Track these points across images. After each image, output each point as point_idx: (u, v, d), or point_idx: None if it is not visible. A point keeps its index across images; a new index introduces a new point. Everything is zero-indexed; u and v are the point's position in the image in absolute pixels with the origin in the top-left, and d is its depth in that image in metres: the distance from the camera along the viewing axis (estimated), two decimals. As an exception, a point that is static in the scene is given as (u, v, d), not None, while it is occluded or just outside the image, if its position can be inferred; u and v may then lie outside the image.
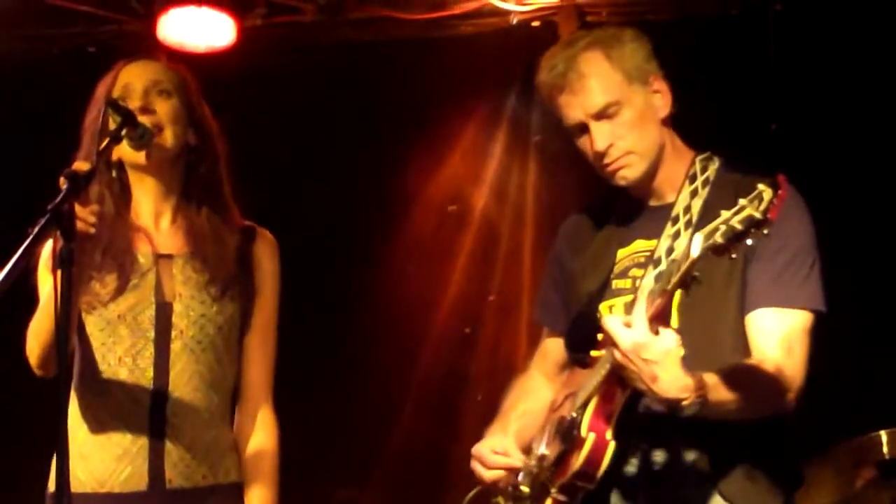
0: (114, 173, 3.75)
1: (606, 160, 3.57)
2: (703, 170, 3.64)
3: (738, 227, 2.98)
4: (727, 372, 3.31)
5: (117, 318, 3.65)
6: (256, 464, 3.79)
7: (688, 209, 3.59)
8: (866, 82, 5.74)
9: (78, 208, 3.24)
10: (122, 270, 3.67)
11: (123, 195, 3.76)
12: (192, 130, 3.78)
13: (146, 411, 3.63)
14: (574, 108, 3.58)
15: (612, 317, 3.23)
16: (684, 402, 3.18)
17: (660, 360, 3.14)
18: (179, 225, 3.77)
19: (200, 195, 3.79)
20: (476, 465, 3.74)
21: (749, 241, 3.00)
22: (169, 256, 3.73)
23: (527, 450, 3.73)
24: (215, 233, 3.77)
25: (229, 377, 3.77)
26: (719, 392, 3.24)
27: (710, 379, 3.24)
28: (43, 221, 3.09)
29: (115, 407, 3.65)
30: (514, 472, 3.68)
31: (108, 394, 3.65)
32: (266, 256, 3.86)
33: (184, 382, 3.65)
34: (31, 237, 3.07)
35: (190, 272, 3.71)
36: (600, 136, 3.56)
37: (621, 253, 3.69)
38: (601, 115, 3.55)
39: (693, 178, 3.63)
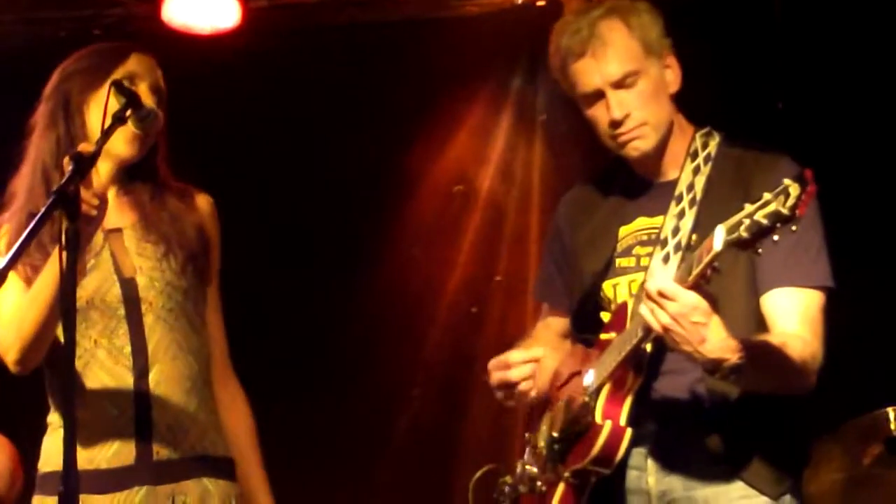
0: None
1: (621, 129, 3.56)
2: (704, 146, 3.64)
3: (765, 222, 2.95)
4: (764, 340, 3.34)
5: (87, 305, 3.62)
6: (243, 443, 3.81)
7: (691, 187, 3.58)
8: (873, 61, 5.73)
9: (82, 190, 3.25)
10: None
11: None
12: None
13: (130, 386, 3.61)
14: (592, 75, 3.56)
15: (657, 283, 3.20)
16: (726, 364, 3.19)
17: (708, 322, 3.15)
18: (123, 200, 3.75)
19: (142, 176, 3.76)
20: (498, 374, 3.69)
21: (775, 238, 2.97)
22: (118, 230, 3.71)
23: (533, 427, 3.73)
24: (158, 201, 3.75)
25: (205, 343, 3.76)
26: (758, 357, 3.25)
27: (751, 342, 3.26)
28: (48, 202, 3.10)
29: (98, 387, 3.61)
30: (537, 360, 3.66)
31: (88, 376, 3.62)
32: (207, 214, 3.84)
33: (162, 352, 3.63)
34: (36, 218, 3.09)
35: (143, 244, 3.69)
36: (618, 105, 3.54)
37: (623, 230, 3.68)
38: (620, 83, 3.54)
39: (694, 155, 3.63)
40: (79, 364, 3.60)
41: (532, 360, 3.65)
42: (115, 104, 3.49)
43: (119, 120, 3.44)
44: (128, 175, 3.75)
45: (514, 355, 3.68)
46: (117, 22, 6.45)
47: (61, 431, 3.49)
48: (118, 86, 3.51)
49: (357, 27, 6.46)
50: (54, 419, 3.69)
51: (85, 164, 3.21)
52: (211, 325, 3.82)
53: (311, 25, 6.49)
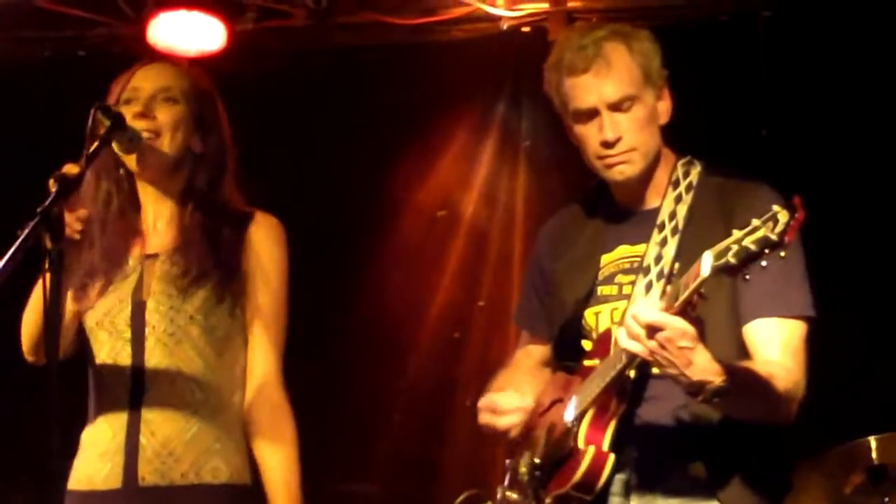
0: (121, 171, 3.76)
1: (611, 152, 3.56)
2: (686, 174, 3.65)
3: (753, 248, 2.95)
4: (747, 366, 3.34)
5: (96, 325, 3.70)
6: (275, 476, 3.74)
7: (673, 215, 3.59)
8: (856, 88, 5.75)
9: (66, 214, 3.25)
10: (108, 276, 3.71)
11: (131, 198, 3.78)
12: (199, 137, 3.77)
13: (125, 409, 3.65)
14: (591, 93, 3.55)
15: (641, 308, 3.19)
16: (709, 386, 3.19)
17: (695, 346, 3.16)
18: (173, 224, 3.77)
19: (199, 201, 3.78)
20: (486, 416, 3.71)
21: (763, 263, 2.97)
22: (155, 256, 3.74)
23: (516, 452, 3.72)
24: (203, 226, 3.75)
25: (220, 369, 3.73)
26: (740, 381, 3.24)
27: (735, 366, 3.26)
28: (32, 223, 3.10)
29: (102, 406, 3.69)
30: (526, 417, 3.66)
31: (97, 393, 3.71)
32: (262, 240, 3.81)
33: (159, 377, 3.65)
34: (20, 239, 3.09)
35: (168, 267, 3.72)
36: (612, 126, 3.54)
37: (605, 259, 3.68)
38: (616, 106, 3.54)
39: (676, 184, 3.64)
40: (93, 383, 3.72)
41: (521, 409, 3.66)
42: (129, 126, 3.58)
43: (105, 142, 3.45)
44: (183, 204, 3.77)
45: (504, 401, 3.69)
46: (102, 43, 6.46)
47: (84, 449, 3.69)
48: (104, 109, 3.51)
49: (342, 51, 6.47)
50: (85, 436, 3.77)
51: (69, 185, 3.22)
52: (252, 342, 3.77)
53: (297, 49, 6.51)
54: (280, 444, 3.76)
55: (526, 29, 6.40)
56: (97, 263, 3.72)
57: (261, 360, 3.79)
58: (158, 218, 3.78)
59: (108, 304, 3.70)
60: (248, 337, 3.78)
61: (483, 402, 3.75)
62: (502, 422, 3.69)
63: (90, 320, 3.72)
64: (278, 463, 3.74)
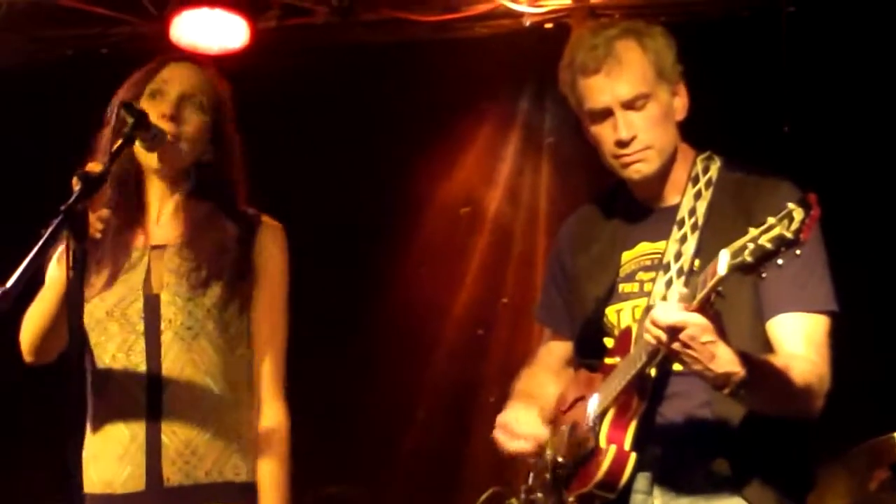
0: (131, 165, 3.73)
1: (626, 151, 3.55)
2: (706, 170, 3.63)
3: (769, 246, 2.93)
4: (766, 357, 3.33)
5: (106, 315, 3.63)
6: (262, 479, 3.70)
7: (693, 212, 3.57)
8: (879, 84, 5.74)
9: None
10: (115, 265, 3.66)
11: (136, 189, 3.75)
12: (212, 149, 3.77)
13: (143, 408, 3.59)
14: (604, 92, 3.54)
15: (659, 312, 3.17)
16: (735, 377, 3.17)
17: (716, 339, 3.15)
18: (179, 217, 3.74)
19: (207, 200, 3.75)
20: (500, 435, 3.70)
21: (780, 262, 2.96)
22: (162, 247, 3.70)
23: (539, 450, 3.72)
24: (212, 222, 3.72)
25: (233, 365, 3.69)
26: (758, 370, 3.23)
27: (752, 355, 3.25)
28: (55, 222, 3.10)
29: (114, 404, 3.61)
30: (539, 445, 3.65)
31: (106, 391, 3.62)
32: (269, 244, 3.79)
33: (177, 373, 3.60)
34: (43, 238, 3.08)
35: (179, 261, 3.67)
36: (626, 125, 3.53)
37: (626, 256, 3.67)
38: (630, 104, 3.53)
39: (696, 180, 3.62)
40: (97, 381, 3.63)
41: (536, 440, 3.65)
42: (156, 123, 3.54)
43: (129, 140, 3.45)
44: (190, 200, 3.75)
45: (518, 426, 3.67)
46: (125, 41, 6.48)
47: (96, 452, 3.61)
48: (128, 106, 3.49)
49: (365, 48, 6.48)
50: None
51: (92, 184, 3.21)
52: (255, 343, 3.75)
53: (319, 46, 6.52)
54: (270, 455, 3.72)
55: (549, 25, 6.40)
56: (102, 253, 3.66)
57: (260, 363, 3.76)
58: (163, 211, 3.75)
59: (119, 294, 3.64)
60: (251, 338, 3.76)
61: (501, 418, 3.73)
62: (512, 446, 3.68)
63: (98, 311, 3.63)
64: (266, 473, 3.70)
